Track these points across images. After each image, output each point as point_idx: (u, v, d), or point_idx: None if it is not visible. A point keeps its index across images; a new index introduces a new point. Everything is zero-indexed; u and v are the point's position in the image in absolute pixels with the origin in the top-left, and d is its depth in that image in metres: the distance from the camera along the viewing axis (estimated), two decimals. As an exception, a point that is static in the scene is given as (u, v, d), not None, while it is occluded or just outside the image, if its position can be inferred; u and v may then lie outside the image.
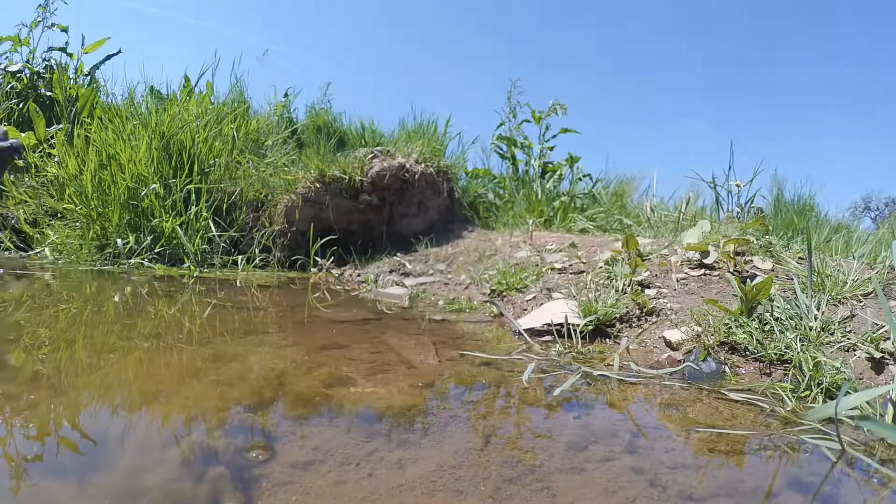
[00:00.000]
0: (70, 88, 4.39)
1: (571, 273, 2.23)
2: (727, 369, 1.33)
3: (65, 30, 4.79)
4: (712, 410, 1.10)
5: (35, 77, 4.63)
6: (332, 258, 3.46)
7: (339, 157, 3.80)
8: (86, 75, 4.88)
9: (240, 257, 3.33)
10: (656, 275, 1.97)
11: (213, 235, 3.30)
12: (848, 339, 1.32)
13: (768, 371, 1.31)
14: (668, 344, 1.49)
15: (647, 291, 1.82)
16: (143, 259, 3.08)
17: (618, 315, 1.70)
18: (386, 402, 1.06)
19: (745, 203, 3.23)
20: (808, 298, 1.46)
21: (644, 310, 1.71)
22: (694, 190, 3.52)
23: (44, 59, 4.74)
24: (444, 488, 0.75)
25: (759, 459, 0.89)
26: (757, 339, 1.35)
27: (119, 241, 3.08)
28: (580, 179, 4.44)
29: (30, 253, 3.36)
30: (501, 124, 4.60)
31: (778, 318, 1.42)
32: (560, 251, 2.60)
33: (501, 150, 4.60)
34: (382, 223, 3.84)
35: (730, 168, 3.35)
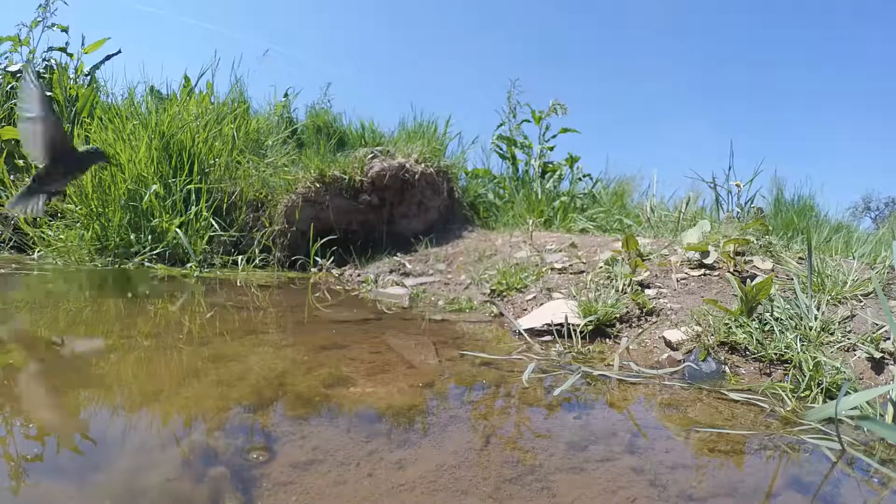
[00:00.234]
0: (70, 88, 4.39)
1: (571, 273, 2.23)
2: (727, 369, 1.33)
3: (65, 30, 4.78)
4: (712, 410, 1.10)
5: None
6: (332, 258, 3.46)
7: (339, 157, 3.80)
8: (86, 75, 4.87)
9: (240, 257, 3.33)
10: (656, 275, 1.97)
11: (216, 234, 3.30)
12: (848, 339, 1.32)
13: (768, 371, 1.31)
14: (668, 344, 1.49)
15: (647, 291, 1.82)
16: (143, 259, 3.08)
17: (618, 315, 1.70)
18: (386, 402, 1.06)
19: (745, 203, 3.23)
20: (808, 298, 1.46)
21: (644, 310, 1.71)
22: (694, 190, 3.52)
23: (44, 59, 4.72)
24: (444, 488, 0.75)
25: (759, 459, 0.89)
26: (757, 339, 1.35)
27: (119, 241, 3.08)
28: (580, 179, 4.44)
29: (30, 253, 3.36)
30: (501, 124, 4.60)
31: (778, 318, 1.42)
32: (560, 251, 2.60)
33: (501, 150, 4.60)
34: (382, 223, 3.84)
35: (730, 168, 3.35)
